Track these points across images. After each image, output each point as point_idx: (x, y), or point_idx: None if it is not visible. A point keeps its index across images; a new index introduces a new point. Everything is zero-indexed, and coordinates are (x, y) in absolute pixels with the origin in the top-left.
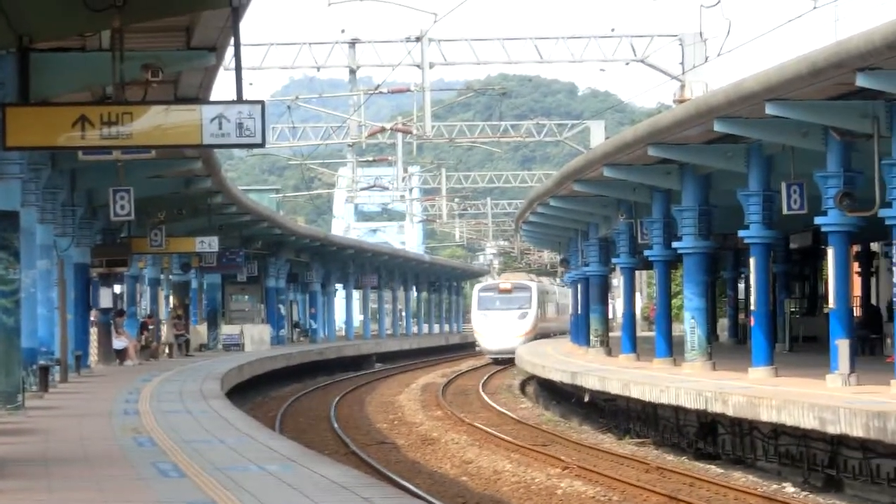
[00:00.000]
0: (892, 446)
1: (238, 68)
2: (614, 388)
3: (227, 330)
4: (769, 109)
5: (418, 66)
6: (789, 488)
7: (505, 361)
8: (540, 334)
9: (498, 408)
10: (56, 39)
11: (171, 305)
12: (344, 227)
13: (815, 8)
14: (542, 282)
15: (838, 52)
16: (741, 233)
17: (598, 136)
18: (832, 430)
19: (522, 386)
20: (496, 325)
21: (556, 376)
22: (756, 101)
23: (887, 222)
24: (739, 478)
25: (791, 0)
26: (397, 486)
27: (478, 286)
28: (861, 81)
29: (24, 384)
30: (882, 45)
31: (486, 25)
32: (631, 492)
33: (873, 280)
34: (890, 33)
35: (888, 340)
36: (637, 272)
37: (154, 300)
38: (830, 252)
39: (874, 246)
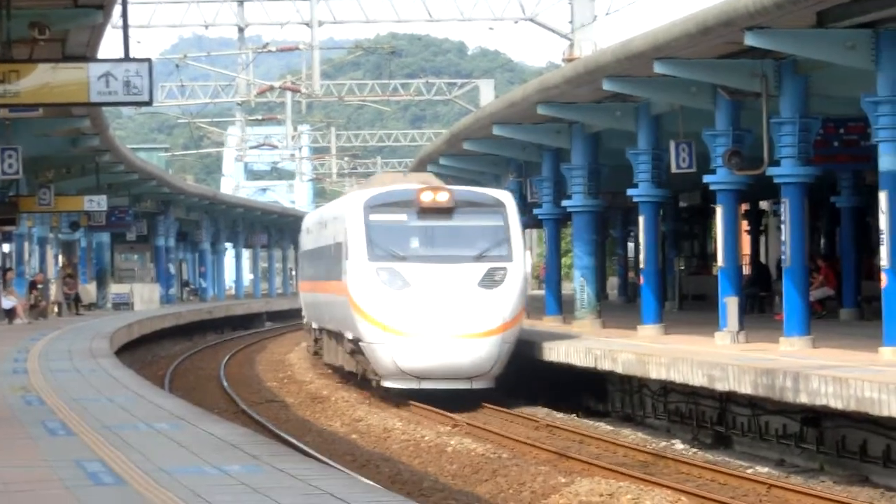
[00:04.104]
0: (780, 403)
1: (125, 26)
2: None
3: (116, 289)
4: (658, 68)
5: (307, 24)
6: (678, 445)
7: (445, 397)
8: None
9: None
10: None
11: (60, 264)
12: (233, 185)
13: None
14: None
15: (727, 10)
16: (630, 191)
17: (488, 94)
18: (721, 387)
19: None
20: (428, 301)
21: None
22: (645, 60)
23: (776, 181)
24: (629, 435)
25: None
26: (286, 444)
27: (351, 196)
28: (750, 40)
29: None
30: (771, 4)
31: None
32: (520, 449)
33: (762, 238)
34: None
35: (777, 298)
36: (527, 231)
37: (43, 259)
38: (719, 210)
39: (763, 204)
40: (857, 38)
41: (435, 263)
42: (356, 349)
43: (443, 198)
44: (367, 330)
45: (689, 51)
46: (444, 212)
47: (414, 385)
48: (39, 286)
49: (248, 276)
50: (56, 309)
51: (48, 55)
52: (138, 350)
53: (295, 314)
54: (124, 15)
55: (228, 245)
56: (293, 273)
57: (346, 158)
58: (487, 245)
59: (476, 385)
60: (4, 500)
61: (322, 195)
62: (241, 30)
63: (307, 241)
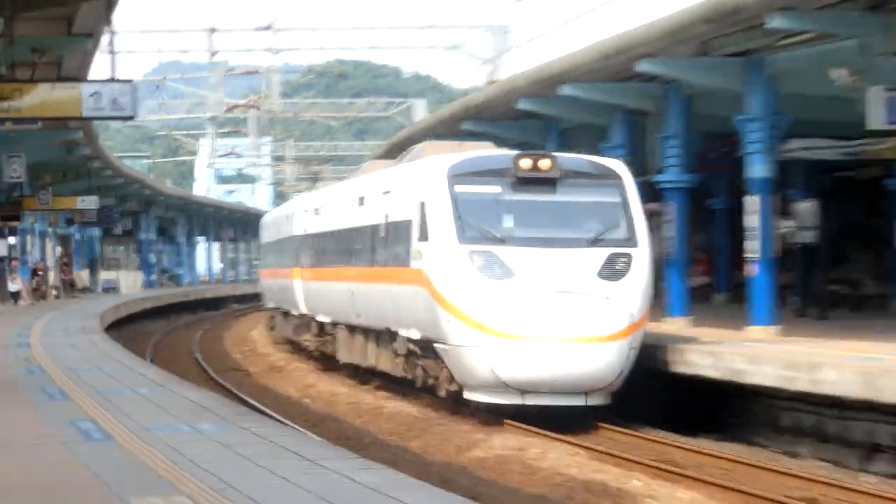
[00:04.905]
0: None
1: (112, 52)
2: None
3: (105, 275)
4: (564, 90)
5: (268, 50)
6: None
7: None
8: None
9: None
10: None
11: (58, 254)
12: (205, 188)
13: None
14: None
15: (622, 41)
16: None
17: (421, 112)
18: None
19: None
20: (539, 296)
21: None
22: (553, 83)
23: (661, 186)
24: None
25: None
26: (249, 406)
27: (421, 164)
28: (641, 67)
29: None
30: (657, 36)
31: (328, 16)
32: (450, 408)
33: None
34: (666, 26)
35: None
36: None
37: (43, 250)
38: None
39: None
40: (731, 66)
41: (544, 248)
42: (421, 353)
43: (546, 165)
44: (456, 330)
45: (590, 75)
46: (548, 183)
47: (516, 400)
48: (40, 273)
49: (217, 265)
50: (54, 292)
51: (46, 76)
52: (124, 327)
53: (256, 297)
54: (111, 42)
55: (201, 238)
56: (256, 262)
57: (300, 165)
58: (605, 226)
59: (592, 402)
60: (10, 453)
61: (280, 196)
62: (211, 55)
63: (277, 232)
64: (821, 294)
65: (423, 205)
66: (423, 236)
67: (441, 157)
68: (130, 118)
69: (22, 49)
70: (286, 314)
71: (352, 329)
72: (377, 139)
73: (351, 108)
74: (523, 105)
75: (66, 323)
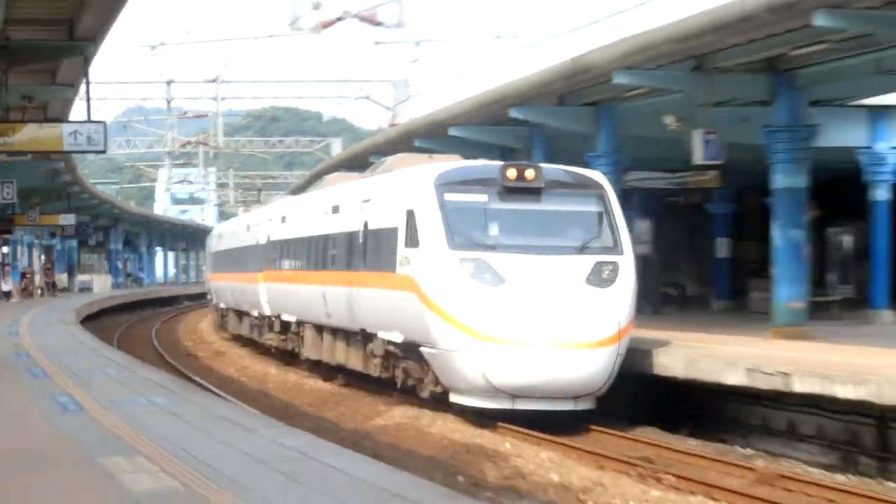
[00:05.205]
0: None
1: (88, 99)
2: None
3: (81, 278)
4: (452, 132)
5: (214, 99)
6: None
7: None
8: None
9: None
10: None
11: (43, 261)
12: (163, 208)
13: (489, 60)
14: None
15: (498, 93)
16: None
17: (337, 148)
18: None
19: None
20: (530, 302)
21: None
22: (444, 126)
23: None
24: None
25: (473, 52)
26: (197, 384)
27: (407, 173)
28: (512, 113)
29: None
30: (526, 89)
31: (263, 71)
32: (357, 385)
33: None
34: (533, 81)
35: None
36: None
37: (30, 257)
38: None
39: None
40: (584, 113)
41: (533, 255)
42: (402, 355)
43: (531, 175)
44: (447, 335)
45: (472, 119)
46: (533, 192)
47: (506, 405)
48: (28, 276)
49: (172, 270)
50: (40, 291)
51: (35, 118)
52: (96, 320)
53: (204, 296)
54: (87, 91)
55: (159, 248)
56: (203, 268)
57: (239, 190)
58: (590, 234)
59: (580, 406)
60: (2, 422)
61: (223, 216)
62: (168, 102)
63: (232, 241)
64: (654, 294)
65: (410, 213)
66: (412, 243)
67: (428, 167)
68: (102, 152)
69: (15, 96)
70: (240, 313)
71: (318, 329)
72: (302, 170)
73: (281, 145)
74: (419, 143)
75: (48, 316)
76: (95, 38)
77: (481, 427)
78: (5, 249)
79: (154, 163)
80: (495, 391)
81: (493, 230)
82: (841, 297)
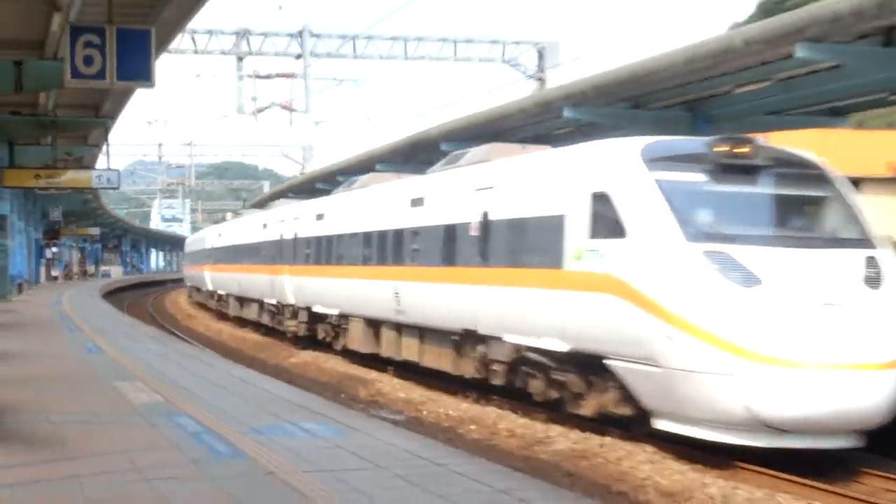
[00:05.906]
0: None
1: (107, 154)
2: None
3: (103, 268)
4: (378, 167)
5: (189, 155)
6: None
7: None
8: None
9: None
10: (27, 140)
11: (78, 257)
12: (156, 225)
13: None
14: None
15: (431, 133)
16: None
17: (266, 188)
18: None
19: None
20: (803, 309)
21: None
22: (372, 162)
23: None
24: None
25: (354, 127)
26: (177, 336)
27: (587, 147)
28: (443, 148)
29: (10, 290)
30: (455, 129)
31: (221, 137)
32: (278, 335)
33: None
34: (463, 122)
35: None
36: None
37: (70, 255)
38: None
39: None
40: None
41: (794, 248)
42: (557, 367)
43: (752, 152)
44: (685, 350)
45: (404, 157)
46: (753, 172)
47: (769, 442)
48: (69, 266)
49: (161, 264)
50: (76, 276)
51: (73, 166)
52: (113, 295)
53: (181, 280)
54: (107, 150)
55: (153, 249)
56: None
57: (205, 214)
58: (840, 223)
59: (849, 443)
60: (48, 361)
61: (195, 228)
62: (159, 158)
63: (239, 238)
64: None
65: (600, 196)
66: (608, 233)
67: (620, 140)
68: (117, 188)
69: (60, 152)
70: (242, 300)
71: (372, 323)
72: (247, 201)
73: (231, 185)
74: (320, 185)
75: (80, 292)
76: (113, 115)
77: (358, 365)
78: (55, 249)
79: (150, 196)
80: (757, 424)
81: (728, 217)
82: None
